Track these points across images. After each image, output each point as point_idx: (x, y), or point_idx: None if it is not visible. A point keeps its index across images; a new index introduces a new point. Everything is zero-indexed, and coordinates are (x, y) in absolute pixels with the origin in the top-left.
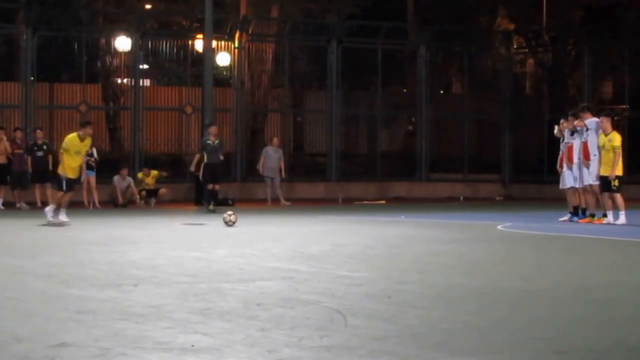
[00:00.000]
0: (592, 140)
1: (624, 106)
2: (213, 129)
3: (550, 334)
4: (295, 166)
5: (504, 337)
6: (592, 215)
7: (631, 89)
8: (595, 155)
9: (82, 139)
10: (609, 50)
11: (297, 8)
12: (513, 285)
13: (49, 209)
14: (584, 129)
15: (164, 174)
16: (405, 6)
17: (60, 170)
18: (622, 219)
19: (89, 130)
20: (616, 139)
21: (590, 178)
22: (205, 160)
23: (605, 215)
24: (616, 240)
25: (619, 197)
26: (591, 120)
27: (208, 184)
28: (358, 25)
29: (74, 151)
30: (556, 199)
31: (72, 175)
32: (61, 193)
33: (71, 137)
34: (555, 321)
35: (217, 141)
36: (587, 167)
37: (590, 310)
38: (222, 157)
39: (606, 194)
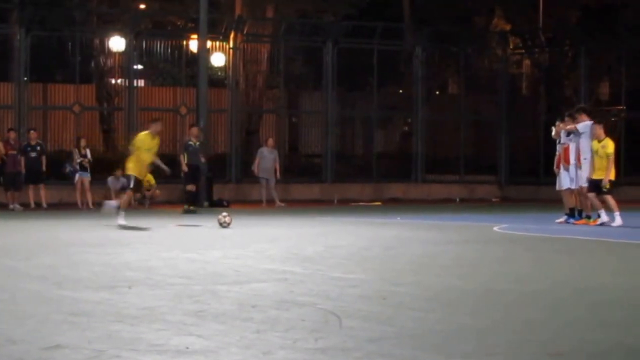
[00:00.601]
0: (585, 143)
1: (621, 107)
2: (194, 130)
3: (546, 336)
4: (291, 167)
5: (500, 339)
6: (588, 217)
7: (628, 89)
8: (585, 158)
9: (153, 137)
10: (605, 50)
11: (292, 8)
12: (509, 287)
13: (113, 205)
14: (576, 132)
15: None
16: (401, 7)
17: (130, 171)
18: (618, 220)
19: (158, 126)
20: (609, 145)
21: (581, 180)
22: (186, 161)
23: (599, 216)
24: (612, 242)
25: (610, 198)
26: (585, 124)
27: (188, 185)
28: (354, 25)
29: (146, 149)
30: (553, 201)
31: (140, 174)
32: (130, 192)
33: (143, 136)
34: (551, 323)
35: (198, 143)
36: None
37: (587, 312)
38: (203, 160)
39: (593, 195)
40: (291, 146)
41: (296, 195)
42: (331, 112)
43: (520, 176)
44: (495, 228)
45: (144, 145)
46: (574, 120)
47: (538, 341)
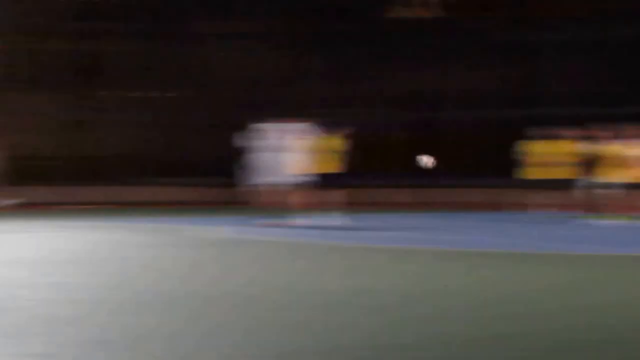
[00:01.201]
0: (287, 144)
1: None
2: None
3: (239, 339)
4: (21, 170)
5: (189, 343)
6: (290, 217)
7: (362, 94)
8: (291, 158)
9: None
10: (340, 52)
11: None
12: (231, 290)
13: None
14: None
15: None
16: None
17: None
18: (302, 220)
19: None
20: (336, 142)
21: (277, 178)
22: None
23: (297, 217)
24: (337, 244)
25: (301, 196)
26: (287, 125)
27: None
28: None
29: None
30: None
31: None
32: None
33: None
34: (246, 326)
35: None
36: (283, 168)
37: (270, 314)
38: None
39: (298, 193)
40: (19, 149)
41: (30, 198)
42: (53, 114)
43: (246, 177)
44: (224, 229)
45: None
46: (288, 122)
47: (229, 345)
